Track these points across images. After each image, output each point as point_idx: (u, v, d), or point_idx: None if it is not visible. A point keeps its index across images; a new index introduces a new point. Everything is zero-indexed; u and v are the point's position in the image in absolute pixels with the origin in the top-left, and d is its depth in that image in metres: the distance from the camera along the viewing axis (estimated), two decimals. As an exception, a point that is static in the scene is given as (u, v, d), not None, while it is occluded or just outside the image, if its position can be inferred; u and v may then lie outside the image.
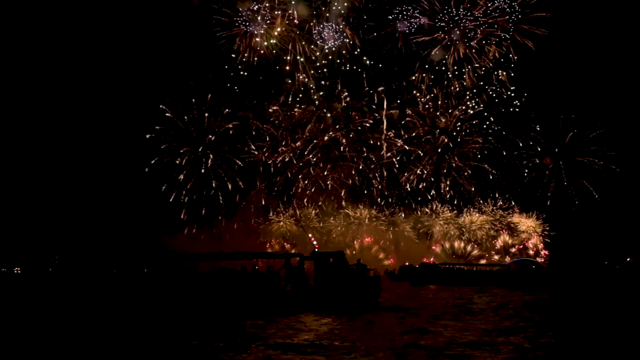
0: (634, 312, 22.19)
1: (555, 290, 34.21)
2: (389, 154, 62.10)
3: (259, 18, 59.15)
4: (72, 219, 54.89)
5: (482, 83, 62.71)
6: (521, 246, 62.27)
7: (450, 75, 62.54)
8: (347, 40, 60.82)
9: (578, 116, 62.10)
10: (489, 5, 60.56)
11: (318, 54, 60.84)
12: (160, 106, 59.44)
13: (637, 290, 33.12)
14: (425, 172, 62.51)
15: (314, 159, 61.38)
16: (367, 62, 61.74)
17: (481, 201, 62.96)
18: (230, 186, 60.57)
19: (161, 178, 58.86)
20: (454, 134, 62.52)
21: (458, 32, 60.90)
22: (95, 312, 21.41)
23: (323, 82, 61.76)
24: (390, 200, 62.80)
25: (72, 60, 56.69)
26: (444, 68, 62.23)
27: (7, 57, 55.69)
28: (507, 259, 57.47)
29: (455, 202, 62.74)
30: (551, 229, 62.81)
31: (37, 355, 14.08)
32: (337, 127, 61.84)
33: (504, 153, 63.25)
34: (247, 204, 61.50)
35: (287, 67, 60.67)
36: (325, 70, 61.33)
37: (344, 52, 61.04)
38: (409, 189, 62.74)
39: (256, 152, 61.42)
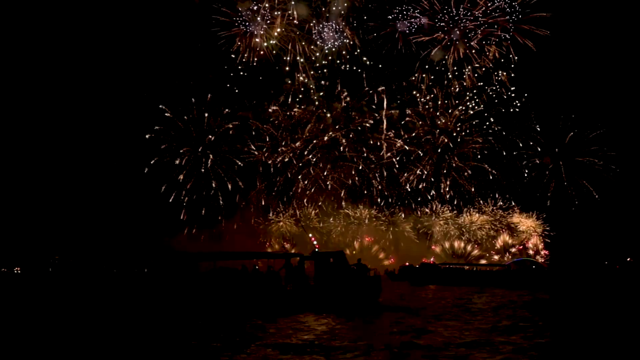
0: (634, 312, 22.18)
1: (555, 290, 34.21)
2: (388, 154, 62.09)
3: (258, 18, 59.12)
4: (71, 219, 54.89)
5: (482, 83, 62.68)
6: (521, 246, 62.25)
7: (450, 76, 62.52)
8: (347, 41, 60.81)
9: (578, 116, 62.14)
10: (489, 5, 60.54)
11: (318, 54, 60.82)
12: (160, 106, 59.38)
13: (637, 290, 33.10)
14: (425, 172, 62.50)
15: (314, 159, 61.37)
16: (367, 62, 61.71)
17: (481, 201, 62.97)
18: (230, 186, 60.56)
19: (161, 178, 58.84)
20: (454, 134, 62.51)
21: (458, 32, 60.89)
22: (95, 312, 21.41)
23: (323, 82, 61.70)
24: (390, 200, 62.82)
25: (71, 60, 56.69)
26: (443, 68, 62.24)
27: (7, 57, 55.80)
28: (507, 259, 57.50)
29: (455, 202, 62.77)
30: (551, 229, 62.84)
31: (37, 355, 14.07)
32: (337, 127, 61.80)
33: (504, 153, 63.23)
34: (247, 204, 61.46)
35: (287, 67, 60.65)
36: (325, 70, 61.26)
37: (343, 52, 61.02)
38: (409, 189, 62.77)
39: (256, 152, 61.41)
